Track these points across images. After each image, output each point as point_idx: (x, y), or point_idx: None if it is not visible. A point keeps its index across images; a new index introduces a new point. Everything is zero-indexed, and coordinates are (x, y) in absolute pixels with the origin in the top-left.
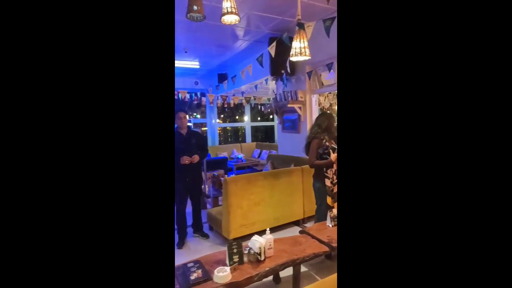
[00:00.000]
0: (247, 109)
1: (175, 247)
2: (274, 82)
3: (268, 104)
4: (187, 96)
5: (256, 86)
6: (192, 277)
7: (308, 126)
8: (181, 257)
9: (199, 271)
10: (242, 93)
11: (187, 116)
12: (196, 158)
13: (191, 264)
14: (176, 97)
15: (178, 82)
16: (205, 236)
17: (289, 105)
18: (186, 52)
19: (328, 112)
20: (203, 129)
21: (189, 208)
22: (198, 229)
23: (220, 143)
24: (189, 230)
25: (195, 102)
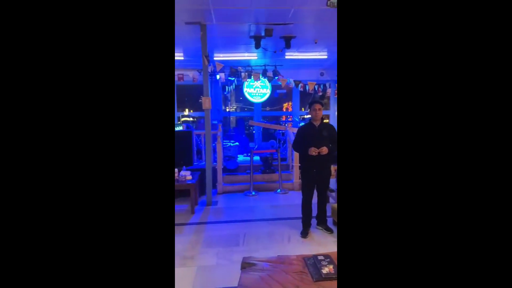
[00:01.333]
0: None
1: (300, 235)
2: None
3: None
4: (315, 87)
5: None
6: (324, 271)
7: None
8: (305, 247)
9: (331, 266)
10: None
11: (322, 108)
12: (324, 150)
13: (322, 257)
14: (301, 89)
15: (304, 74)
16: (329, 230)
17: None
18: (316, 43)
19: None
20: (325, 121)
21: (314, 199)
22: (322, 221)
23: None
24: (313, 221)
25: (319, 94)
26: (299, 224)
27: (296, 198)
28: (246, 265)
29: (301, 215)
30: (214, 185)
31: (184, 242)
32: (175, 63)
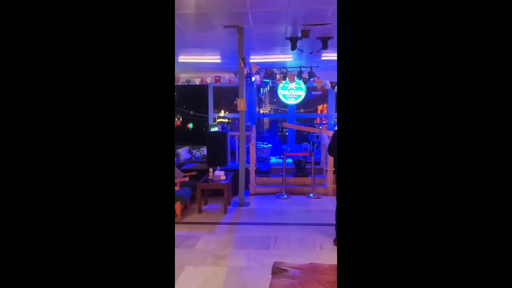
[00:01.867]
0: None
1: (333, 243)
2: None
3: None
4: None
5: None
6: None
7: None
8: None
9: None
10: None
11: None
12: None
13: None
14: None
15: None
16: None
17: None
18: None
19: None
20: None
21: None
22: None
23: None
24: None
25: None
26: (332, 231)
27: (330, 203)
28: (277, 270)
29: (334, 222)
30: (247, 186)
31: (217, 241)
32: (213, 66)
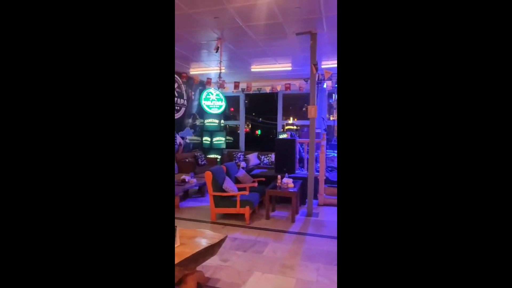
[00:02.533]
0: None
1: None
2: None
3: None
4: None
5: None
6: None
7: None
8: None
9: None
10: None
11: None
12: None
13: None
14: None
15: None
16: None
17: None
18: None
19: None
20: None
21: None
22: None
23: None
24: None
25: None
26: None
27: None
28: None
29: None
30: (315, 196)
31: (284, 250)
32: (284, 74)
